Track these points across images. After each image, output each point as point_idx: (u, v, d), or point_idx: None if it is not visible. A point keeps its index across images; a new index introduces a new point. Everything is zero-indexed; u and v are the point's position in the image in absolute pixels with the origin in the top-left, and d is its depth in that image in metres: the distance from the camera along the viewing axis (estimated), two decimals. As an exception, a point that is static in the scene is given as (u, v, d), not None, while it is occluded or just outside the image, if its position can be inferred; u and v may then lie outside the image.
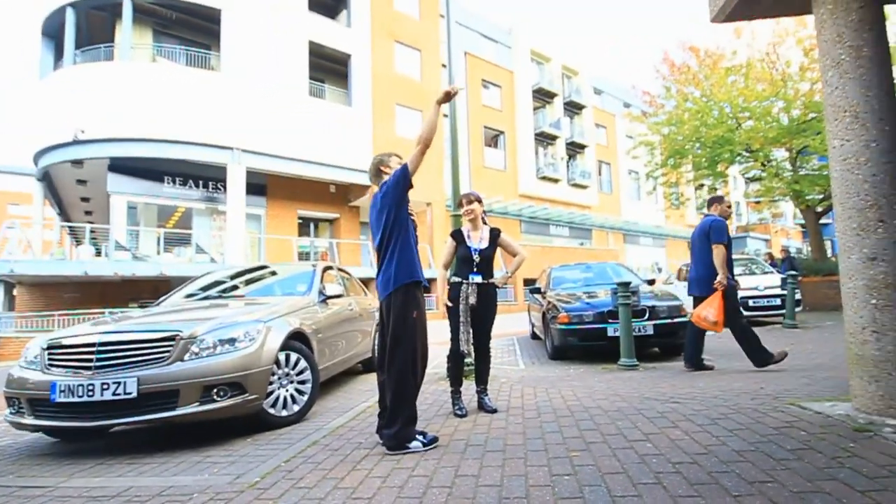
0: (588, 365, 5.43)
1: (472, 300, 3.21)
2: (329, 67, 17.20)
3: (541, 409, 3.19)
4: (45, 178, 15.10)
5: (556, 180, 26.68)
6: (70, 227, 18.17)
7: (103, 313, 10.70)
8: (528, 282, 20.93)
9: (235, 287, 4.91)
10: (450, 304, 3.24)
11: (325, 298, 4.24)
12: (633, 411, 2.95)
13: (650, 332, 5.47)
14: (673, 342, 5.69)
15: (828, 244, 17.69)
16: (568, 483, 1.87)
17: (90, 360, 2.71)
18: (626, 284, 4.90)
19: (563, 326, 5.71)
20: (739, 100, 13.39)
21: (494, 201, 22.61)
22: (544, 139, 27.23)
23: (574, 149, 28.73)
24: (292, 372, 3.34)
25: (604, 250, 26.00)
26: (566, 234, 27.14)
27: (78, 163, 13.34)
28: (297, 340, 3.44)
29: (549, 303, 6.42)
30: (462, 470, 2.10)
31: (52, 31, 14.86)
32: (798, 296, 9.11)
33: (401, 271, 2.54)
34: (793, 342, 6.70)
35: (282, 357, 3.23)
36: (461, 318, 3.19)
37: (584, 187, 28.18)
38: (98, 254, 14.52)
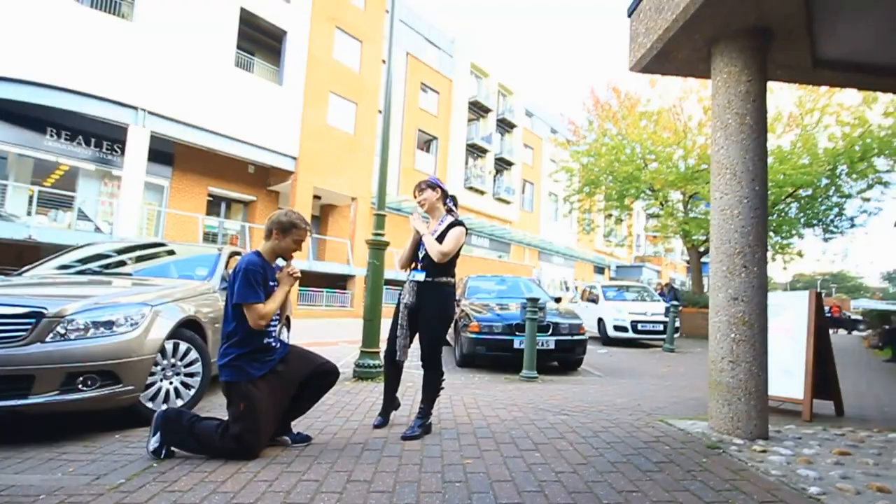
0: (493, 374, 5.63)
1: (409, 300, 2.79)
2: (261, 40, 16.17)
3: (442, 416, 3.24)
4: None
5: (482, 192, 27.47)
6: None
7: (-55, 277, 8.99)
8: (445, 288, 21.24)
9: (123, 263, 4.40)
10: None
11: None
12: (527, 421, 3.10)
13: (552, 346, 5.81)
14: (572, 357, 6.10)
15: (705, 280, 20.16)
16: (458, 490, 1.91)
17: (-83, 334, 2.25)
18: (535, 300, 5.17)
19: (473, 335, 5.87)
20: (648, 143, 14.85)
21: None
22: (475, 151, 27.95)
23: (502, 164, 29.83)
24: (180, 363, 3.06)
25: (520, 265, 27.21)
26: (486, 245, 28.01)
27: (-68, 95, 11.12)
28: (189, 329, 3.16)
29: (463, 311, 6.57)
30: (355, 475, 2.06)
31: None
32: (678, 324, 10.25)
33: None
34: (669, 364, 7.52)
35: (169, 346, 2.95)
36: (398, 321, 2.80)
37: (507, 202, 29.34)
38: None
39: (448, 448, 2.49)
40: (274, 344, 2.44)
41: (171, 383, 2.98)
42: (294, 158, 15.99)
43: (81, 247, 4.46)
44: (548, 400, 3.96)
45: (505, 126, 30.16)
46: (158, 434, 2.23)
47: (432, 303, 2.79)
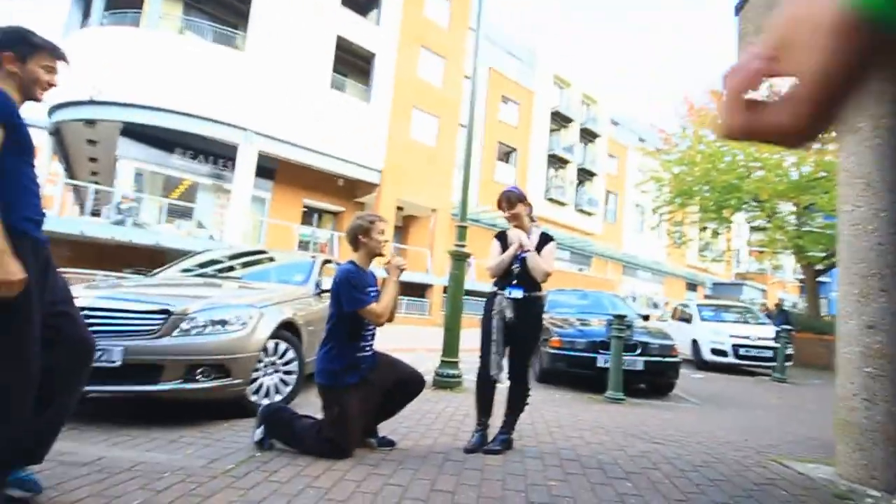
0: (574, 392, 5.40)
1: (509, 315, 2.68)
2: (353, 63, 17.29)
3: (523, 433, 3.16)
4: (56, 133, 15.06)
5: (563, 204, 26.76)
6: (74, 185, 18.11)
7: (95, 276, 10.63)
8: (522, 300, 20.89)
9: (232, 268, 4.89)
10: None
11: (320, 291, 4.21)
12: (615, 447, 2.92)
13: (640, 367, 5.44)
14: (661, 381, 5.67)
15: (823, 302, 17.72)
16: (544, 512, 1.84)
17: (78, 323, 2.67)
18: (622, 317, 4.89)
19: (553, 350, 5.68)
20: (752, 149, 13.49)
21: (500, 216, 22.62)
22: (556, 162, 27.36)
23: (584, 175, 28.87)
24: (279, 361, 3.31)
25: (602, 279, 26.02)
26: (566, 257, 27.16)
27: (90, 123, 13.32)
28: (287, 330, 3.41)
29: (543, 325, 6.39)
30: (438, 485, 2.07)
31: (85, -9, 14.91)
32: (790, 350, 9.10)
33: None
34: (780, 396, 6.68)
35: (270, 345, 3.20)
36: (493, 336, 2.67)
37: (589, 214, 28.28)
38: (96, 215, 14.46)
39: (531, 467, 2.42)
40: (368, 353, 2.55)
41: (271, 379, 3.24)
42: (379, 171, 16.80)
43: (200, 253, 5.03)
44: (637, 425, 3.70)
45: (588, 136, 29.21)
46: (262, 427, 2.42)
47: (528, 319, 2.73)
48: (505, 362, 2.78)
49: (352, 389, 2.43)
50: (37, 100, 1.72)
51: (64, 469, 1.93)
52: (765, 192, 13.19)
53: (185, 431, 2.64)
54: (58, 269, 1.79)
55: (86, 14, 15.01)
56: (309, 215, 17.65)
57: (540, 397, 4.87)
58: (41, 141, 15.56)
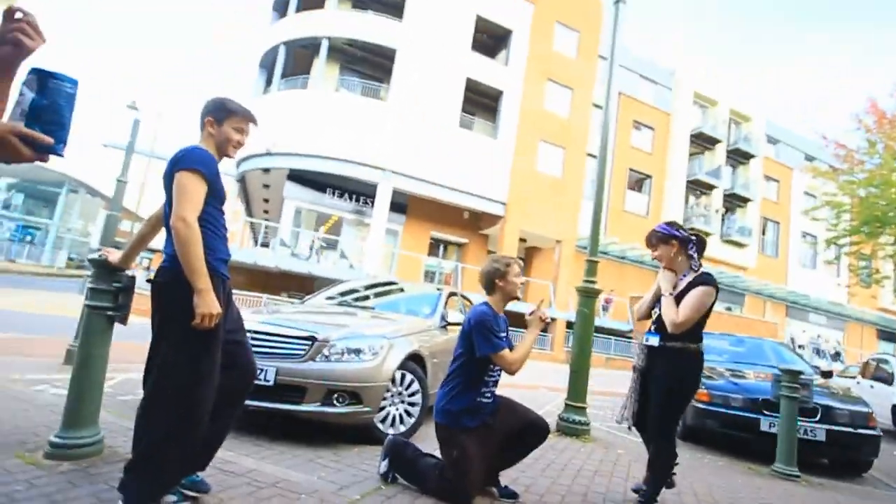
0: (728, 458, 4.58)
1: (638, 364, 2.63)
2: (480, 102, 18.05)
3: (668, 501, 2.73)
4: (241, 180, 18.39)
5: (706, 234, 23.86)
6: (252, 222, 21.78)
7: (262, 298, 12.46)
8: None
9: (367, 297, 5.27)
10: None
11: (445, 324, 4.29)
12: (792, 541, 2.35)
13: (820, 437, 4.40)
14: (854, 457, 4.51)
15: None
16: None
17: (244, 345, 3.09)
18: (796, 374, 4.04)
19: (701, 405, 4.92)
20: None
21: (629, 248, 21.07)
22: (698, 188, 24.72)
23: (734, 201, 25.51)
24: (405, 391, 3.41)
25: (758, 321, 22.28)
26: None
27: (266, 171, 15.99)
28: (413, 361, 3.51)
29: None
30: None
31: (267, 63, 18.23)
32: None
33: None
34: None
35: (398, 375, 3.32)
36: (629, 384, 2.66)
37: (741, 245, 24.74)
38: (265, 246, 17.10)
39: (679, 550, 2.05)
40: (490, 399, 2.47)
41: (397, 409, 3.34)
42: (503, 204, 16.99)
43: (341, 282, 5.55)
44: (822, 515, 2.95)
45: (738, 157, 25.92)
46: (388, 460, 2.48)
47: (663, 369, 2.51)
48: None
49: (471, 432, 2.35)
50: (229, 156, 2.03)
51: (223, 477, 2.19)
52: None
53: (321, 451, 2.84)
54: (234, 292, 2.09)
55: (268, 82, 18.30)
56: (435, 246, 18.51)
57: (685, 459, 4.21)
58: (230, 188, 19.16)
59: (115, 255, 2.23)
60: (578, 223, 18.62)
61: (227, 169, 18.69)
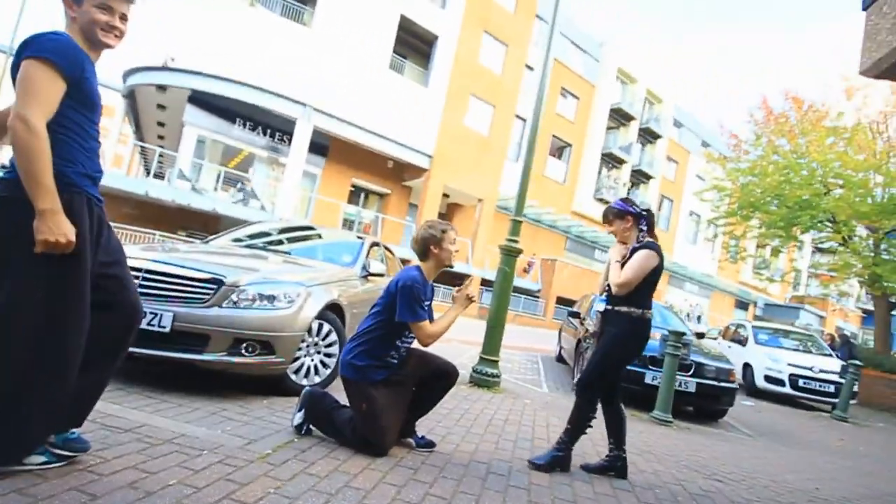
0: (616, 407, 5.11)
1: (591, 328, 2.73)
2: (413, 44, 17.15)
3: (568, 449, 2.94)
4: (130, 96, 15.85)
5: (612, 205, 25.80)
6: (142, 146, 19.11)
7: (154, 235, 11.16)
8: (564, 301, 20.39)
9: (280, 242, 4.88)
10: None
11: (367, 274, 4.13)
12: (672, 480, 2.67)
13: (691, 389, 5.07)
14: (714, 406, 5.27)
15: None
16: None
17: (133, 285, 2.67)
18: (680, 334, 4.53)
19: (598, 360, 5.39)
20: (835, 164, 12.36)
21: (545, 212, 22.10)
22: (610, 161, 26.33)
23: (639, 177, 27.66)
24: (321, 342, 3.24)
25: (645, 287, 24.97)
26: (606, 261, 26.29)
27: (162, 88, 13.90)
28: (332, 311, 3.34)
29: (587, 330, 6.10)
30: (483, 501, 1.92)
31: (166, -40, 15.49)
32: (856, 388, 8.32)
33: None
34: (843, 437, 6.11)
35: (314, 325, 3.13)
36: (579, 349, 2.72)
37: (639, 218, 27.14)
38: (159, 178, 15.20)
39: (581, 493, 2.22)
40: (396, 358, 2.42)
41: (312, 360, 3.18)
42: (429, 156, 16.68)
43: (252, 224, 5.07)
44: (691, 455, 3.41)
45: (648, 136, 27.88)
46: (303, 411, 2.34)
47: (610, 332, 2.57)
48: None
49: (378, 384, 2.31)
50: (102, 45, 1.61)
51: (106, 433, 1.91)
52: (844, 213, 12.07)
53: (225, 404, 2.62)
54: (116, 226, 1.74)
55: (164, -18, 15.61)
56: (356, 194, 17.84)
57: (581, 408, 4.62)
58: (114, 103, 16.46)
59: None
60: (501, 183, 18.99)
61: (111, 80, 15.99)
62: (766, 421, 6.41)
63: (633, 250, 2.57)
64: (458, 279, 19.06)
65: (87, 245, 1.55)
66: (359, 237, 4.90)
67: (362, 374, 2.30)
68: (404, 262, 9.89)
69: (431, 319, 2.41)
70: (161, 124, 17.52)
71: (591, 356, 2.63)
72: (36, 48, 1.44)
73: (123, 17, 1.63)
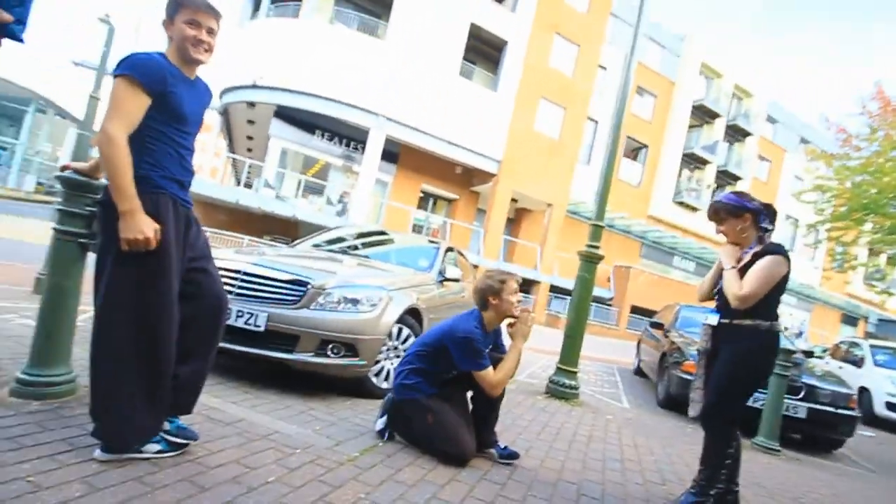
0: (709, 429, 4.66)
1: (705, 345, 2.30)
2: (482, 50, 17.15)
3: (664, 475, 2.71)
4: (224, 113, 17.38)
5: (694, 209, 24.03)
6: (234, 158, 20.86)
7: (243, 239, 12.08)
8: (639, 310, 19.27)
9: (356, 247, 5.02)
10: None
11: (443, 279, 4.12)
12: (790, 518, 2.35)
13: (801, 415, 4.50)
14: (830, 436, 4.65)
15: None
16: None
17: (232, 286, 2.85)
18: (790, 353, 4.04)
19: (686, 376, 4.97)
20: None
21: (618, 217, 21.07)
22: (692, 161, 24.57)
23: (726, 178, 25.52)
24: (401, 346, 3.26)
25: (733, 298, 22.90)
26: (691, 268, 24.47)
27: (251, 105, 15.09)
28: (411, 316, 3.35)
29: (673, 344, 5.66)
30: (577, 526, 1.79)
31: (256, -14, 16.83)
32: None
33: None
34: None
35: (395, 329, 3.16)
36: (697, 370, 2.32)
37: (726, 223, 25.00)
38: (249, 187, 16.47)
39: (685, 525, 2.01)
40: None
41: (393, 364, 3.20)
42: (498, 162, 16.55)
43: (332, 229, 5.28)
44: (809, 492, 3.00)
45: (736, 134, 25.69)
46: (385, 417, 2.35)
47: (728, 350, 2.20)
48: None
49: (434, 397, 2.30)
50: (196, 60, 1.73)
51: (210, 426, 2.02)
52: None
53: (312, 403, 2.70)
54: (212, 231, 1.87)
55: (256, 6, 16.97)
56: (424, 200, 18.13)
57: (668, 427, 4.28)
58: (212, 120, 18.11)
59: (81, 165, 1.97)
60: (571, 188, 18.41)
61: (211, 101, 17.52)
62: (891, 454, 5.56)
63: (756, 255, 2.19)
64: (525, 285, 18.53)
65: (173, 242, 1.67)
66: (431, 241, 4.91)
67: (415, 390, 2.30)
68: (474, 267, 9.84)
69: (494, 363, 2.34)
70: (250, 138, 19.02)
71: (713, 380, 2.22)
72: (122, 67, 1.59)
73: (211, 32, 1.74)
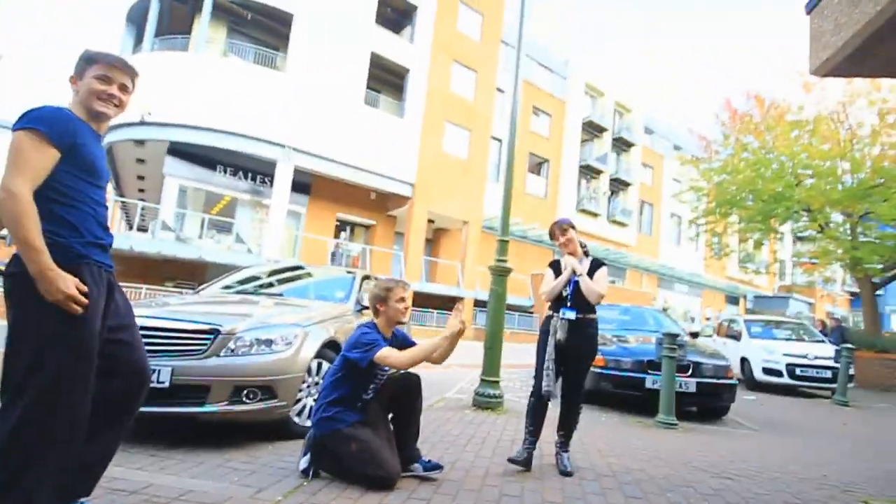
0: (620, 415, 5.12)
1: (560, 337, 2.81)
2: (386, 79, 17.57)
3: (576, 460, 2.96)
4: (108, 153, 15.89)
5: (595, 215, 26.21)
6: (123, 202, 19.03)
7: (141, 289, 11.03)
8: (556, 314, 20.39)
9: (271, 284, 4.89)
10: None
11: (361, 308, 4.15)
12: (682, 482, 2.69)
13: (692, 389, 5.11)
14: (717, 404, 5.32)
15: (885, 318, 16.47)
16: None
17: (129, 343, 2.67)
18: (674, 336, 4.61)
19: (598, 370, 5.42)
20: (802, 156, 12.82)
21: (530, 228, 22.35)
22: (588, 172, 26.89)
23: (617, 185, 28.23)
24: (322, 381, 3.24)
25: (637, 292, 25.18)
26: (599, 270, 26.51)
27: (140, 143, 13.98)
28: (330, 349, 3.35)
29: (598, 345, 6.16)
30: (498, 524, 1.92)
31: (136, 18, 15.80)
32: (852, 371, 8.44)
33: None
34: (845, 422, 6.17)
35: (314, 364, 3.14)
36: (547, 356, 2.82)
37: (623, 225, 27.56)
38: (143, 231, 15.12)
39: (594, 505, 2.23)
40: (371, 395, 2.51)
41: (314, 400, 3.16)
42: (411, 185, 16.89)
43: (241, 269, 5.08)
44: (698, 456, 3.43)
45: (621, 145, 28.61)
46: (308, 455, 2.34)
47: (582, 340, 2.85)
48: (559, 383, 2.90)
49: (356, 424, 2.36)
50: (99, 113, 1.66)
51: (112, 497, 1.89)
52: (817, 201, 12.46)
53: (230, 454, 2.59)
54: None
55: (138, 40, 15.89)
56: (341, 228, 17.89)
57: (585, 419, 4.59)
58: (94, 160, 16.39)
59: None
60: (484, 204, 19.24)
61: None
62: (769, 413, 6.46)
63: (594, 265, 2.94)
64: (450, 302, 18.95)
65: (98, 314, 1.58)
66: (349, 272, 4.93)
67: (336, 421, 2.33)
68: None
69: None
70: (141, 178, 17.52)
71: (580, 368, 2.93)
72: (25, 120, 1.51)
73: (123, 88, 1.70)
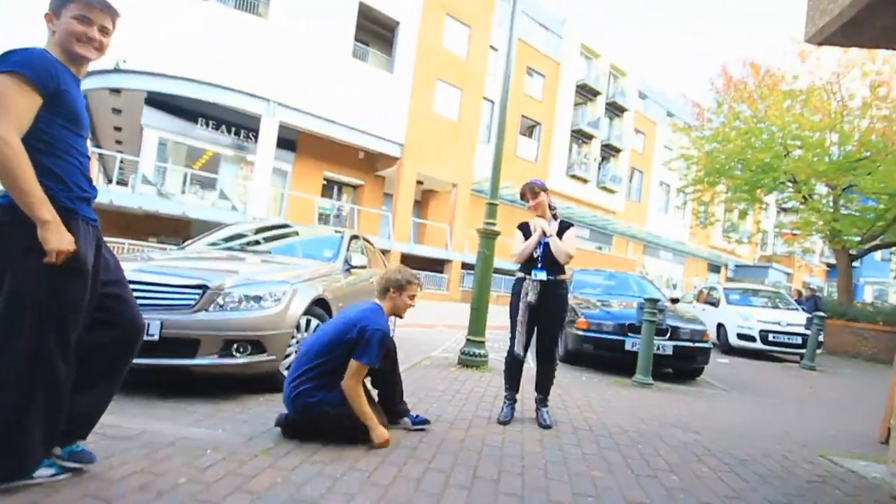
0: (600, 375, 5.33)
1: (532, 298, 2.88)
2: (375, 31, 16.85)
3: (557, 416, 3.11)
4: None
5: (585, 180, 26.16)
6: (100, 153, 18.38)
7: (123, 244, 10.86)
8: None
9: (257, 242, 4.86)
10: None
11: (349, 268, 4.17)
12: (653, 435, 2.85)
13: (668, 352, 5.32)
14: (691, 366, 5.55)
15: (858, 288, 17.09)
16: (592, 506, 1.79)
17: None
18: (655, 301, 4.75)
19: (580, 332, 5.59)
20: (792, 126, 12.84)
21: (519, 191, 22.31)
22: (580, 137, 26.61)
23: (608, 151, 28.06)
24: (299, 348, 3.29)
25: (622, 258, 25.60)
26: (585, 235, 26.75)
27: (116, 91, 13.36)
28: (318, 307, 3.38)
29: (569, 305, 6.30)
30: (480, 471, 2.04)
31: (108, -45, 14.72)
32: (821, 338, 8.83)
33: None
34: (811, 385, 6.52)
35: (303, 321, 3.18)
36: (519, 318, 2.91)
37: (612, 192, 27.63)
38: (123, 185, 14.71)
39: (571, 455, 2.37)
40: None
41: (303, 356, 3.23)
42: (400, 145, 16.57)
43: (227, 226, 5.02)
44: (671, 413, 3.62)
45: (614, 110, 28.22)
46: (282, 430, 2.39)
47: (553, 300, 2.94)
48: (533, 343, 3.06)
49: (343, 402, 2.23)
50: (79, 56, 1.58)
51: (108, 443, 1.94)
52: (803, 173, 12.61)
53: (222, 405, 2.66)
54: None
55: (108, -21, 14.85)
56: (329, 188, 17.64)
57: (567, 379, 4.82)
58: (68, 109, 15.65)
59: None
60: (474, 167, 19.04)
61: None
62: (740, 376, 6.78)
63: (562, 227, 3.01)
64: (438, 264, 19.00)
65: (89, 268, 1.57)
66: (337, 231, 4.91)
67: (323, 404, 2.21)
68: (384, 252, 9.84)
69: None
70: (118, 129, 16.86)
71: (549, 326, 2.98)
72: (7, 63, 1.42)
73: (104, 30, 1.62)
